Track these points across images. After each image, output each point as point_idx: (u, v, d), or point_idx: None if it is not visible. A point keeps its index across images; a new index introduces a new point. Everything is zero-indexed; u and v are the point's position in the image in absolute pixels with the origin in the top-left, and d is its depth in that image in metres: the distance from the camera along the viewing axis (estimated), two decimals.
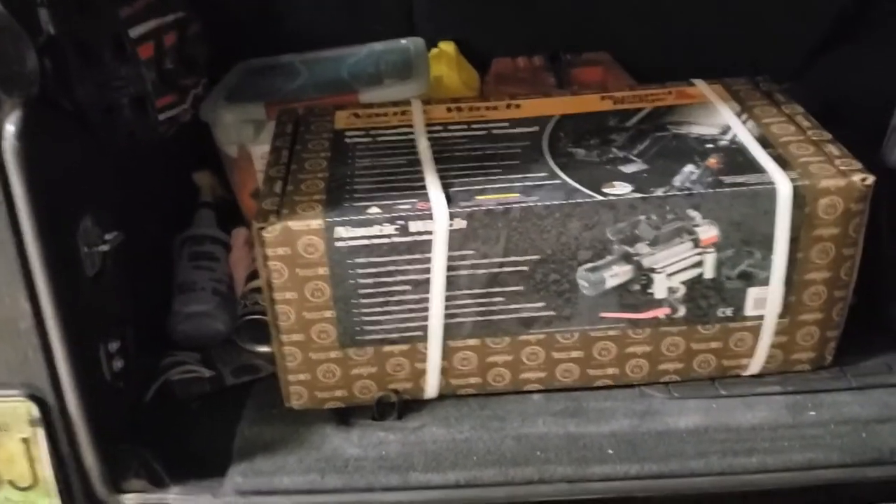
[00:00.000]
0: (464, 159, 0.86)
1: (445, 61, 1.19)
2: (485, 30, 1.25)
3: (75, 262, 0.78)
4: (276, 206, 0.80)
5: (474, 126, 0.92)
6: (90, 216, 0.79)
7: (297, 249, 0.78)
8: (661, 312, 0.83)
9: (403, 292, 0.81)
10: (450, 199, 0.79)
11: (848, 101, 1.07)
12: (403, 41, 1.21)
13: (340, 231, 0.78)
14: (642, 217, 0.79)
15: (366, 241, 0.78)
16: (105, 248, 0.80)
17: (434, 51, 1.21)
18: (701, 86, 0.97)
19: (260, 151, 1.06)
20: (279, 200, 0.81)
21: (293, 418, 0.86)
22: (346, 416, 0.86)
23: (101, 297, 0.82)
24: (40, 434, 0.77)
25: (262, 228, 0.78)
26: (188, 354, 0.95)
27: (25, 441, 0.77)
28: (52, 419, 0.77)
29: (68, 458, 0.78)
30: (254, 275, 0.98)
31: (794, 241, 0.80)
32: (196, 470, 0.82)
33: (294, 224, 0.78)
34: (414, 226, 0.78)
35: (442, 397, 0.87)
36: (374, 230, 0.78)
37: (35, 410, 0.76)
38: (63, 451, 0.78)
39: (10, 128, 0.69)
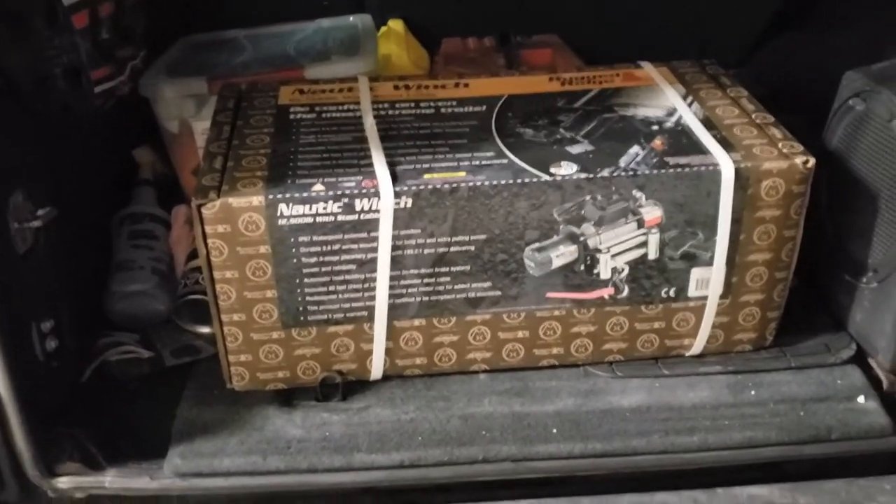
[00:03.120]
0: (411, 137, 0.85)
1: (395, 40, 1.17)
2: (434, 9, 1.24)
3: (5, 239, 0.75)
4: (217, 182, 0.78)
5: (422, 104, 0.91)
6: (21, 191, 0.76)
7: (237, 227, 0.76)
8: (606, 293, 0.83)
9: (348, 272, 0.80)
10: (396, 178, 0.78)
11: (792, 85, 1.08)
12: (351, 18, 1.19)
13: (283, 208, 0.76)
14: (588, 197, 0.79)
15: (309, 219, 0.77)
16: (37, 224, 0.78)
17: (383, 29, 1.20)
18: (648, 68, 0.97)
19: (201, 127, 1.03)
20: (220, 177, 0.79)
21: (234, 399, 0.84)
22: (288, 397, 0.85)
23: (34, 275, 0.79)
24: None
25: (201, 205, 0.76)
26: (127, 335, 0.93)
27: None
28: None
29: None
30: (194, 254, 0.96)
31: (737, 223, 0.81)
32: (134, 452, 0.80)
33: (235, 201, 0.76)
34: (359, 204, 0.77)
35: (387, 378, 0.86)
36: (318, 208, 0.77)
37: None
38: None
39: None
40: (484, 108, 0.90)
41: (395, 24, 1.20)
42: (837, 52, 1.05)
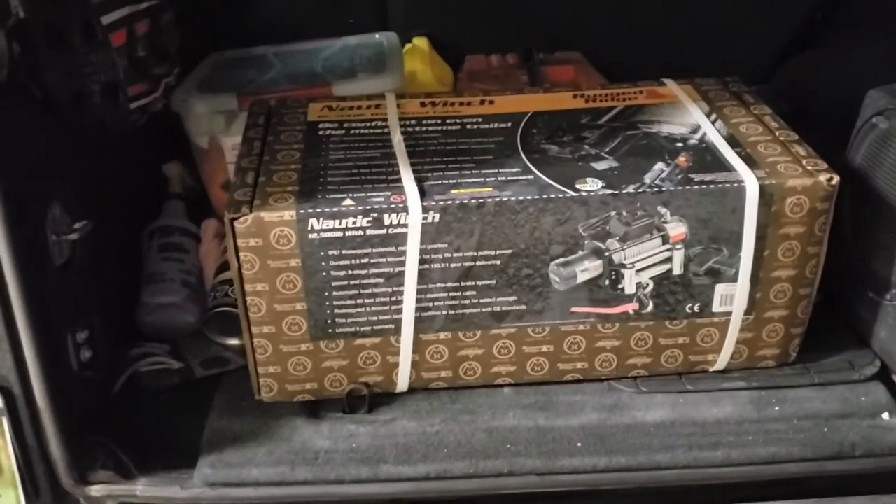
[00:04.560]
0: (438, 153, 0.86)
1: (419, 57, 1.19)
2: (459, 26, 1.26)
3: (43, 251, 0.77)
4: (249, 196, 0.79)
5: (448, 121, 0.92)
6: (59, 204, 0.78)
7: (269, 241, 0.78)
8: (630, 308, 0.84)
9: (376, 285, 0.81)
10: (424, 193, 0.80)
11: (815, 103, 1.09)
12: (377, 36, 1.21)
13: (314, 223, 0.78)
14: (613, 213, 0.80)
15: (339, 233, 0.78)
16: (74, 236, 0.79)
17: (408, 46, 1.21)
18: (671, 86, 0.98)
19: (231, 143, 1.05)
20: (251, 191, 0.80)
21: (263, 410, 0.86)
22: (316, 408, 0.86)
23: (70, 287, 0.81)
24: (5, 424, 0.76)
25: (234, 219, 0.77)
26: (157, 346, 0.94)
27: None
28: (17, 409, 0.75)
29: (34, 448, 0.77)
30: (224, 266, 0.98)
31: (761, 239, 0.82)
32: (164, 461, 0.81)
33: (266, 215, 0.77)
34: (388, 218, 0.78)
35: (413, 390, 0.87)
36: (348, 222, 0.78)
37: (0, 400, 0.75)
38: (28, 441, 0.77)
39: None
40: (509, 124, 0.91)
41: (420, 42, 1.22)
42: (860, 70, 1.06)
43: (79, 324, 0.82)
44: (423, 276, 0.81)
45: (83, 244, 0.81)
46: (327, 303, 0.81)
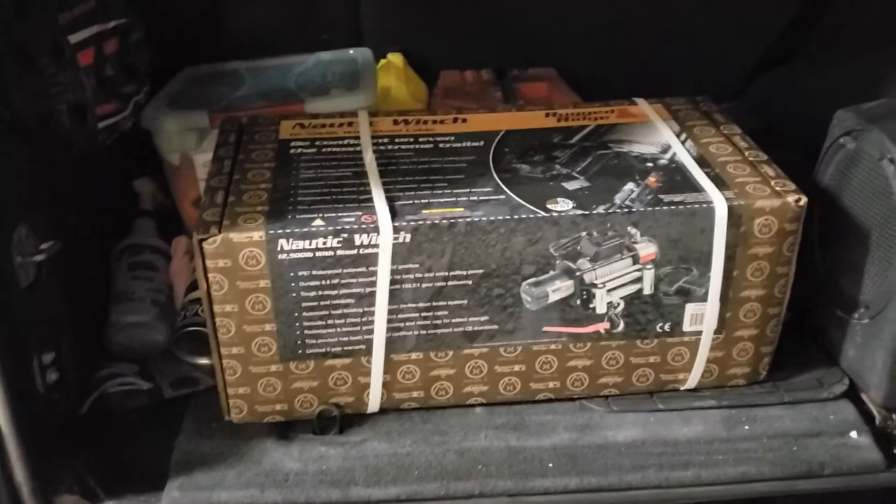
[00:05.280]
0: (410, 172, 0.86)
1: (394, 73, 1.19)
2: (433, 42, 1.26)
3: (8, 273, 0.76)
4: (218, 217, 0.79)
5: (421, 139, 0.92)
6: (25, 225, 0.77)
7: (238, 262, 0.77)
8: (602, 327, 0.84)
9: (347, 305, 0.81)
10: (395, 213, 0.79)
11: (785, 120, 1.10)
12: (351, 52, 1.21)
13: (283, 243, 0.77)
14: (584, 233, 0.80)
15: (309, 254, 0.78)
16: (40, 257, 0.78)
17: (382, 62, 1.21)
18: (643, 105, 0.99)
19: (202, 160, 1.05)
20: (221, 211, 0.80)
21: (233, 432, 0.85)
22: (286, 430, 0.86)
23: (36, 308, 0.80)
24: None
25: (202, 240, 0.76)
26: (126, 366, 0.93)
27: None
28: None
29: None
30: (194, 285, 0.97)
31: (730, 259, 0.82)
32: (132, 484, 0.80)
33: (235, 236, 0.77)
34: (359, 239, 0.78)
35: (384, 411, 0.87)
36: (318, 243, 0.78)
37: None
38: None
39: None
40: (482, 143, 0.92)
41: (395, 58, 1.22)
42: (830, 88, 1.07)
43: (45, 345, 0.81)
44: (394, 296, 0.80)
45: (50, 264, 0.80)
46: (297, 323, 0.81)
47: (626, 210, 0.80)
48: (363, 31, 1.24)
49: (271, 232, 0.77)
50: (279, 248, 0.77)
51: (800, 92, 1.15)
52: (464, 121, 0.96)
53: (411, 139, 0.92)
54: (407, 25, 1.24)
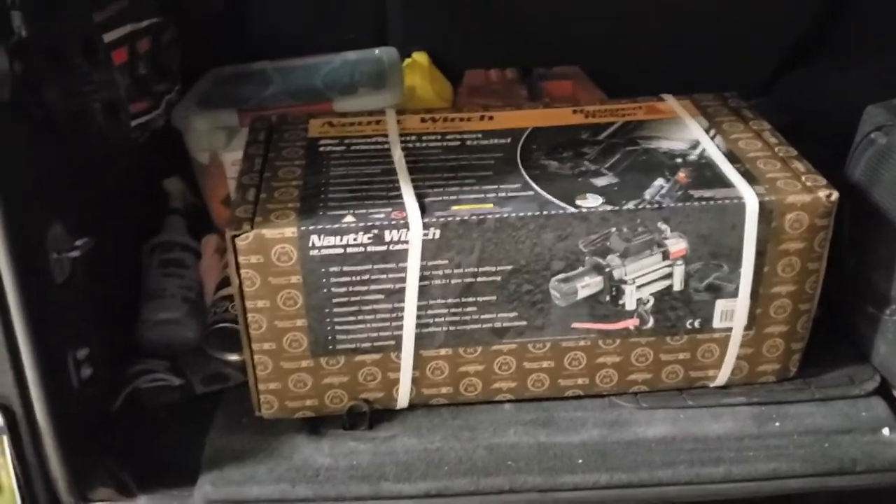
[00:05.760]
0: (438, 169, 0.87)
1: (419, 72, 1.20)
2: (458, 41, 1.26)
3: (44, 269, 0.77)
4: (250, 213, 0.79)
5: (448, 137, 0.92)
6: (60, 222, 0.78)
7: (270, 258, 0.78)
8: (631, 323, 0.84)
9: (377, 301, 0.81)
10: (424, 209, 0.80)
11: (813, 117, 1.09)
12: (377, 51, 1.21)
13: (314, 239, 0.78)
14: (614, 229, 0.80)
15: (340, 250, 0.78)
16: (75, 254, 0.79)
17: (407, 61, 1.22)
18: (670, 101, 0.99)
19: (231, 158, 1.06)
20: (252, 208, 0.80)
21: (263, 427, 0.85)
22: (316, 425, 0.86)
23: (70, 304, 0.81)
24: (6, 442, 0.75)
25: (235, 236, 0.77)
26: (157, 362, 0.94)
27: None
28: (18, 427, 0.75)
29: (34, 466, 0.77)
30: (224, 282, 0.98)
31: (761, 255, 0.82)
32: (165, 479, 0.81)
33: (268, 232, 0.77)
34: (389, 235, 0.78)
35: (413, 407, 0.87)
36: (349, 239, 0.78)
37: (0, 418, 0.75)
38: (29, 459, 0.76)
39: None
40: (509, 140, 0.92)
41: (420, 57, 1.22)
42: (858, 85, 1.06)
43: (79, 341, 0.82)
44: (423, 292, 0.81)
45: (84, 261, 0.81)
46: (328, 319, 0.81)
47: (656, 206, 0.80)
48: (388, 31, 1.24)
49: (303, 228, 0.78)
50: (310, 244, 0.78)
51: (827, 88, 1.15)
52: (490, 118, 0.97)
53: (439, 136, 0.92)
54: (431, 25, 1.25)
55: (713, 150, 0.88)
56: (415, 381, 0.85)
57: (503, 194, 0.82)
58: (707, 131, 0.92)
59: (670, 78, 1.04)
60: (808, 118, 1.09)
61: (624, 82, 1.16)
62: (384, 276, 0.80)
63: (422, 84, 1.18)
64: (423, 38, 1.24)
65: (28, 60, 0.73)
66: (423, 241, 0.79)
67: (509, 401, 0.88)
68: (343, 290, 0.80)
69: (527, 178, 0.85)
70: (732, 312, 0.84)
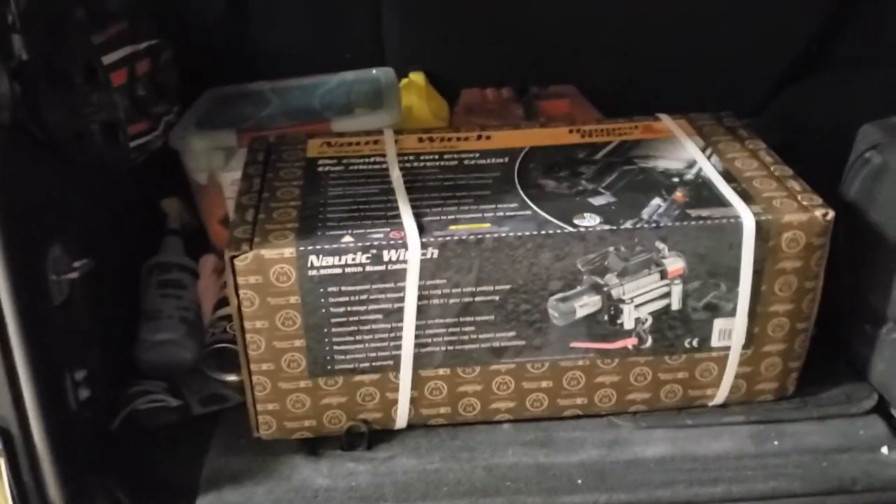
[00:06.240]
0: (436, 189, 0.87)
1: (415, 91, 1.20)
2: (454, 61, 1.27)
3: (43, 291, 0.77)
4: (249, 234, 0.80)
5: (446, 156, 0.93)
6: (59, 244, 0.78)
7: (268, 278, 0.78)
8: (630, 343, 0.84)
9: (375, 321, 0.81)
10: (423, 229, 0.80)
11: (809, 135, 1.10)
12: (374, 71, 1.22)
13: (313, 259, 0.78)
14: (611, 249, 0.81)
15: (338, 270, 0.79)
16: (73, 275, 0.79)
17: (404, 81, 1.23)
18: (666, 121, 0.99)
19: (229, 179, 1.06)
20: (251, 229, 0.80)
21: (261, 448, 0.85)
22: (315, 446, 0.86)
23: (69, 326, 0.81)
24: (2, 464, 0.75)
25: (234, 257, 0.77)
26: (155, 383, 0.94)
27: None
28: (15, 449, 0.75)
29: (31, 488, 0.76)
30: (222, 302, 0.98)
31: (758, 274, 0.82)
32: (163, 500, 0.81)
33: (266, 252, 0.78)
34: (387, 255, 0.79)
35: (412, 427, 0.87)
36: (347, 259, 0.78)
37: None
38: (26, 481, 0.76)
39: None
40: (506, 159, 0.92)
41: (416, 77, 1.23)
42: (854, 102, 1.07)
43: (77, 362, 0.82)
44: (422, 311, 0.81)
45: (82, 282, 0.81)
46: (326, 339, 0.81)
47: (653, 225, 0.81)
48: (385, 51, 1.25)
49: (301, 248, 0.78)
50: (309, 264, 0.78)
51: (823, 106, 1.15)
52: (488, 138, 0.97)
53: (436, 156, 0.93)
54: (428, 45, 1.26)
55: (710, 170, 0.89)
56: (413, 401, 0.85)
57: (501, 214, 0.82)
58: (703, 150, 0.92)
59: (665, 97, 1.05)
60: (803, 136, 1.10)
61: (619, 101, 1.16)
62: (382, 296, 0.80)
63: (419, 104, 1.19)
64: (419, 58, 1.25)
65: (29, 83, 0.74)
66: (422, 260, 0.79)
67: (508, 421, 0.88)
68: (341, 310, 0.80)
69: (524, 197, 0.85)
70: (730, 331, 0.84)
